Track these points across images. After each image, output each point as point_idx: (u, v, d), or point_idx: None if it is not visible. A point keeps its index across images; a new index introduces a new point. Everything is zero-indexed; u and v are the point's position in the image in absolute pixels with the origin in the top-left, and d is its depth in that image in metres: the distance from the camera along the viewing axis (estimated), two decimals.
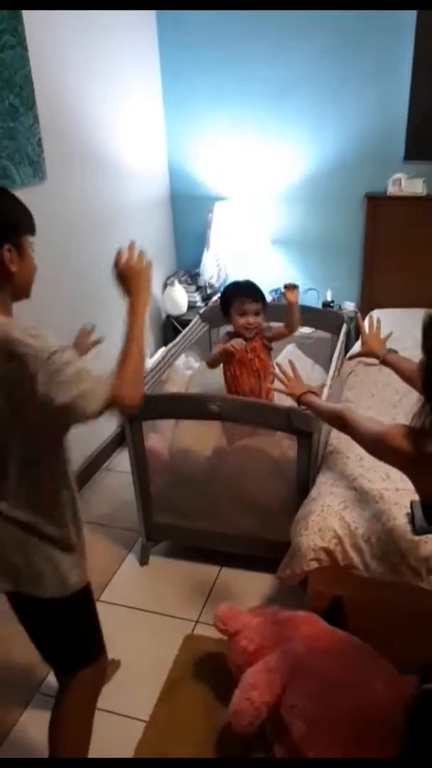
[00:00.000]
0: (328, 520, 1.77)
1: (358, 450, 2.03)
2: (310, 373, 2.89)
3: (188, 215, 3.73)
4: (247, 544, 2.32)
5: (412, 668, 1.78)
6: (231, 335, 2.50)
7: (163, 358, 2.57)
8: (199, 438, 2.29)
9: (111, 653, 1.64)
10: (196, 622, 2.19)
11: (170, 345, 2.68)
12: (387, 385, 2.54)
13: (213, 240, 3.53)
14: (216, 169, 3.57)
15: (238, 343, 2.32)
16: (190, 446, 2.29)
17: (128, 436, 2.19)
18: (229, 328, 2.54)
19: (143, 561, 2.46)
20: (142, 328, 1.40)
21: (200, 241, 3.62)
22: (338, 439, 2.17)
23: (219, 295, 3.59)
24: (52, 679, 1.90)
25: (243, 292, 2.45)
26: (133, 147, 3.21)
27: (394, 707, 1.58)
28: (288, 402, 2.62)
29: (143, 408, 2.12)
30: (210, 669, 1.99)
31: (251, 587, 2.30)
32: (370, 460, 1.98)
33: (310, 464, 2.05)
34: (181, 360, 3.00)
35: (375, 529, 1.74)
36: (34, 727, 1.81)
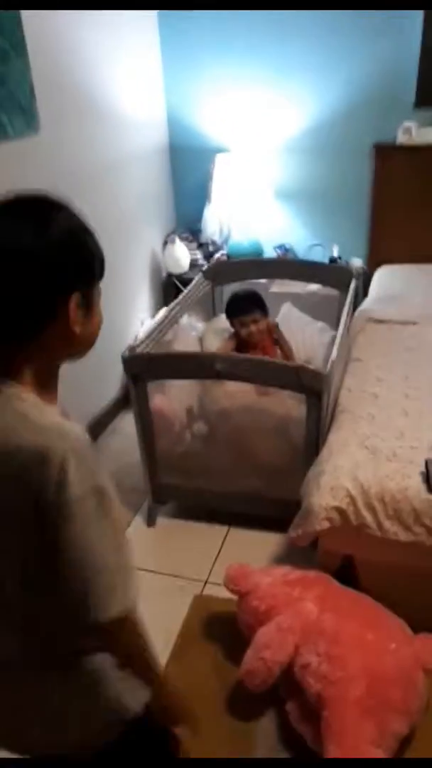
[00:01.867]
0: (340, 479, 1.73)
1: (369, 408, 1.99)
2: (310, 332, 2.82)
3: (188, 168, 3.59)
4: (255, 503, 2.29)
5: (425, 627, 1.78)
6: (236, 336, 2.56)
7: (166, 317, 2.50)
8: (230, 396, 2.23)
9: None
10: (206, 582, 2.18)
11: (172, 304, 2.60)
12: (398, 342, 2.47)
13: (214, 194, 3.41)
14: (217, 119, 3.43)
15: None
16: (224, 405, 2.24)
17: (133, 397, 2.14)
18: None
19: (150, 522, 2.44)
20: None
21: (201, 196, 3.50)
22: (349, 397, 2.11)
23: (221, 253, 3.52)
24: None
25: (239, 310, 2.54)
26: (129, 95, 3.06)
27: (409, 664, 1.57)
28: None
29: (148, 367, 2.08)
30: (220, 628, 1.98)
31: (260, 547, 2.28)
32: (382, 418, 1.95)
33: (320, 424, 2.00)
34: (185, 320, 2.93)
35: (389, 488, 1.70)
36: None
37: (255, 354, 2.42)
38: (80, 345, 0.91)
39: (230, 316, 2.56)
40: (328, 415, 2.08)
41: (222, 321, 2.89)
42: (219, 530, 2.39)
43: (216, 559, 2.27)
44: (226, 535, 2.37)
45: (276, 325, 2.58)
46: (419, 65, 2.96)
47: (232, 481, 2.27)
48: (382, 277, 3.20)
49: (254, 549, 2.28)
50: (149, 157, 3.38)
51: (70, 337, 0.87)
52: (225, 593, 1.87)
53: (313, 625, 1.62)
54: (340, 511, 1.72)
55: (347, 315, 2.46)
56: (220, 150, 3.41)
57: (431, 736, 1.62)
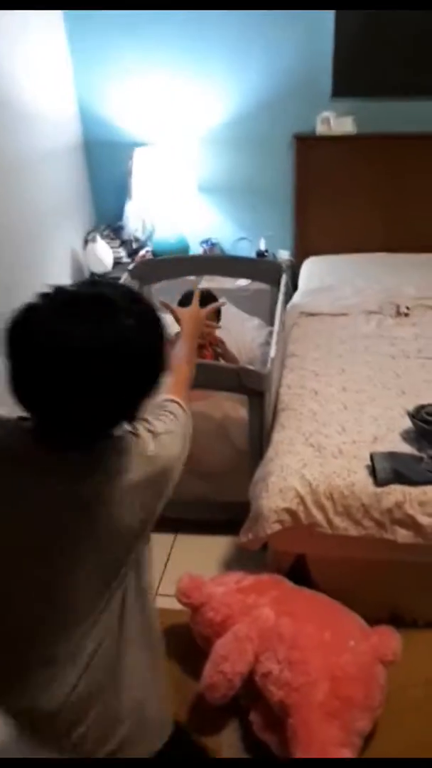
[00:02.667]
0: (288, 480, 1.70)
1: (310, 404, 1.98)
2: (247, 329, 2.79)
3: (105, 164, 3.46)
4: (202, 508, 2.24)
5: (379, 617, 1.79)
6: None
7: None
8: None
9: None
10: (155, 594, 2.10)
11: None
12: (331, 335, 2.48)
13: (135, 189, 3.31)
14: (133, 112, 3.32)
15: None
16: None
17: None
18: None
19: None
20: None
21: (121, 192, 3.39)
22: (290, 395, 2.09)
23: (146, 250, 3.42)
24: None
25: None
26: (34, 88, 2.89)
27: (369, 660, 1.57)
28: None
29: None
30: (175, 641, 1.91)
31: (210, 552, 2.23)
32: (324, 414, 1.94)
33: (263, 424, 1.97)
34: None
35: (336, 485, 1.69)
36: None
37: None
38: None
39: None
40: (270, 413, 2.06)
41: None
42: (165, 538, 2.33)
43: (165, 568, 2.21)
44: (173, 543, 2.31)
45: (221, 341, 2.51)
46: (333, 55, 2.96)
47: (175, 488, 2.20)
48: (310, 268, 3.21)
49: (204, 554, 2.23)
50: (63, 153, 3.22)
51: None
52: (177, 605, 1.81)
53: (271, 631, 1.60)
54: (291, 512, 1.70)
55: (281, 311, 2.44)
56: (138, 144, 3.30)
57: (392, 729, 1.63)
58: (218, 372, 1.91)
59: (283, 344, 2.46)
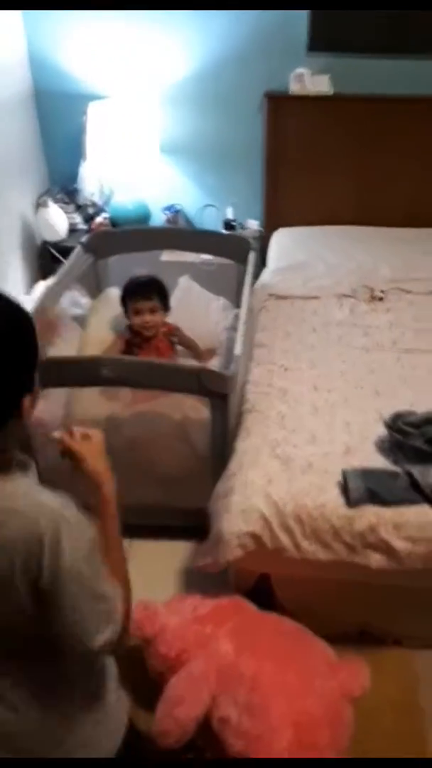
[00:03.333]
0: (252, 499, 1.53)
1: (279, 406, 1.79)
2: (213, 311, 2.57)
3: (59, 118, 3.12)
4: (158, 514, 2.06)
5: (347, 633, 1.67)
6: (132, 332, 2.27)
7: (40, 304, 2.14)
8: (102, 404, 1.94)
9: None
10: None
11: (50, 282, 2.24)
12: (302, 322, 2.28)
13: (90, 149, 2.99)
14: (89, 61, 2.97)
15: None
16: (90, 415, 1.94)
17: None
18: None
19: None
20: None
21: (76, 151, 3.07)
22: (256, 394, 1.90)
23: (103, 216, 3.13)
24: None
25: (135, 290, 2.27)
26: None
27: (335, 699, 1.44)
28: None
29: None
30: (130, 670, 1.75)
31: (166, 560, 2.06)
32: (293, 418, 1.75)
33: (226, 427, 1.78)
34: (66, 297, 2.57)
35: (304, 504, 1.52)
36: None
37: (147, 354, 2.15)
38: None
39: (125, 299, 2.28)
40: (234, 414, 1.86)
41: (112, 298, 2.57)
42: None
43: None
44: (128, 549, 2.13)
45: (176, 328, 2.33)
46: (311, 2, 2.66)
47: (128, 492, 2.01)
48: (281, 241, 2.98)
49: (159, 562, 2.06)
50: (10, 104, 2.88)
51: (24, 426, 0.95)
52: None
53: (230, 669, 1.44)
54: (254, 536, 1.53)
55: (248, 294, 2.21)
56: (94, 97, 2.97)
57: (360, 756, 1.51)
58: (175, 373, 1.70)
59: (250, 332, 2.25)
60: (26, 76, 3.01)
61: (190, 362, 2.22)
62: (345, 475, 1.53)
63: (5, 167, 2.84)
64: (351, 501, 1.50)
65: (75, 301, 2.89)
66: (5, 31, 2.79)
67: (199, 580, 1.96)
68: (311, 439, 1.68)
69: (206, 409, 1.81)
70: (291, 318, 2.31)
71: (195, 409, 1.88)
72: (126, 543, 2.06)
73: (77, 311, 2.82)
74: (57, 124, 3.13)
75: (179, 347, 2.34)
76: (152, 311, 2.22)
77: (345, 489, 1.52)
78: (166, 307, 2.28)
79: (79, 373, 1.71)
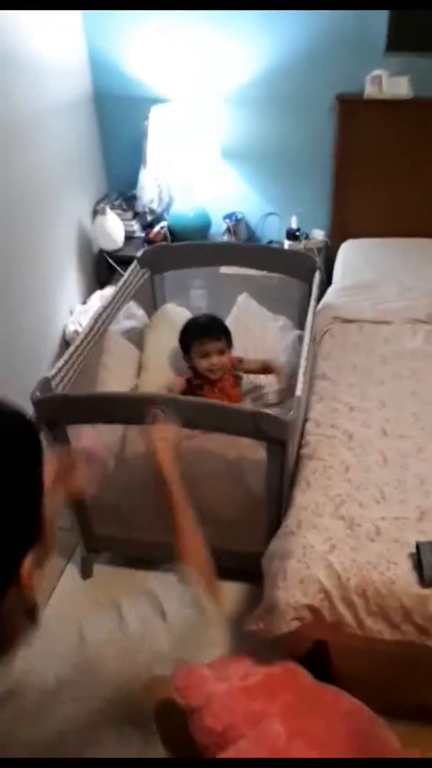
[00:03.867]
0: (311, 568, 1.37)
1: (343, 454, 1.62)
2: (270, 331, 2.41)
3: (119, 122, 3.01)
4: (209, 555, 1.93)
5: (406, 709, 1.51)
6: (195, 374, 2.10)
7: (98, 318, 2.04)
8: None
9: None
10: None
11: (103, 305, 2.13)
12: (370, 352, 2.09)
13: (151, 154, 2.87)
14: (151, 63, 2.84)
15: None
16: (133, 446, 1.82)
17: (48, 443, 1.70)
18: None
19: (85, 574, 2.06)
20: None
21: (135, 156, 2.95)
22: (318, 436, 1.74)
23: (162, 225, 3.01)
24: None
25: (201, 331, 2.08)
26: (37, 32, 2.45)
27: None
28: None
29: (65, 411, 1.65)
30: (174, 725, 1.65)
31: None
32: (359, 470, 1.58)
33: (284, 473, 1.63)
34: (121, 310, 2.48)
35: (371, 579, 1.35)
36: None
37: (213, 398, 2.00)
38: None
39: (188, 341, 2.10)
40: (293, 456, 1.71)
41: (170, 314, 2.45)
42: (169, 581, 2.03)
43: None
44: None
45: (239, 360, 2.16)
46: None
47: None
48: (349, 254, 2.79)
49: None
50: (70, 108, 2.79)
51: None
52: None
53: (280, 755, 1.31)
54: (312, 609, 1.38)
55: (311, 320, 2.04)
56: (156, 100, 2.84)
57: None
58: (230, 415, 1.56)
59: (312, 359, 2.09)
60: (86, 79, 2.91)
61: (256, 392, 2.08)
62: (419, 548, 1.35)
63: (64, 172, 2.75)
64: (425, 580, 1.32)
65: (131, 313, 2.79)
66: (64, 32, 2.69)
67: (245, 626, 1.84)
68: (380, 499, 1.51)
69: (263, 449, 1.66)
70: (358, 346, 2.13)
71: (251, 448, 1.73)
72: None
73: (133, 324, 2.72)
74: (117, 128, 3.03)
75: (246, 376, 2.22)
76: (220, 353, 2.06)
77: (419, 564, 1.35)
78: (230, 344, 2.13)
79: (130, 410, 1.59)
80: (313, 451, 1.68)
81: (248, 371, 2.19)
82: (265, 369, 2.19)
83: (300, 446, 1.76)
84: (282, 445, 1.57)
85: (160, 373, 2.22)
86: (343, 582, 1.35)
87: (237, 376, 2.14)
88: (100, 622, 0.85)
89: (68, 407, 1.59)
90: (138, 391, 2.16)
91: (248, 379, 2.23)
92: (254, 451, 1.74)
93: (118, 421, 1.69)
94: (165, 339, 2.33)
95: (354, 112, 2.65)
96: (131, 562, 2.08)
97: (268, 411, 1.51)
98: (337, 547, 1.40)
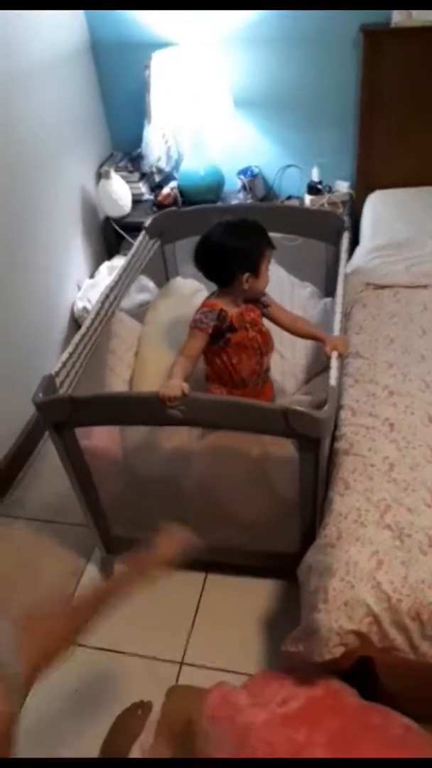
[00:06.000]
0: (356, 588, 1.21)
1: (385, 449, 1.44)
2: (299, 299, 2.18)
3: (121, 71, 2.73)
4: (235, 555, 1.79)
5: None
6: (218, 310, 1.61)
7: (104, 301, 1.84)
8: (160, 432, 1.65)
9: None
10: (181, 663, 1.72)
11: (110, 285, 1.92)
12: (408, 322, 1.87)
13: (155, 107, 2.60)
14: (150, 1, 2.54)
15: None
16: (149, 443, 1.66)
17: (57, 447, 1.54)
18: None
19: (106, 575, 1.93)
20: None
21: (139, 110, 2.69)
22: (354, 427, 1.54)
23: (172, 185, 2.75)
24: None
25: (267, 236, 1.62)
26: None
27: None
28: (290, 379, 1.94)
29: (72, 413, 1.48)
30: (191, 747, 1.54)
31: (245, 599, 1.81)
32: (403, 468, 1.39)
33: (318, 473, 1.45)
34: (131, 292, 2.28)
35: (426, 600, 1.18)
36: None
37: (250, 341, 1.65)
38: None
39: (255, 254, 1.59)
40: (327, 452, 1.53)
41: (175, 289, 2.24)
42: (193, 579, 1.90)
43: (193, 623, 1.80)
44: (203, 587, 1.89)
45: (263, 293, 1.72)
46: None
47: (201, 534, 1.75)
48: (377, 207, 2.53)
49: (238, 603, 1.81)
50: (66, 60, 2.52)
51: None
52: (208, 679, 1.47)
53: None
54: (359, 635, 1.22)
55: (342, 288, 1.81)
56: (158, 45, 2.56)
57: None
58: (257, 413, 1.37)
59: (343, 334, 1.87)
60: (82, 26, 2.63)
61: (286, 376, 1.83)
62: None
63: (62, 133, 2.51)
64: None
65: (143, 284, 2.59)
66: None
67: (280, 625, 1.72)
68: (431, 501, 1.32)
69: (292, 445, 1.48)
70: (394, 316, 1.90)
71: (277, 444, 1.55)
72: (201, 577, 1.83)
73: (146, 297, 2.52)
74: (118, 80, 2.75)
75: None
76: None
77: None
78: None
79: (142, 411, 1.41)
80: (350, 446, 1.49)
81: (273, 316, 1.73)
82: (312, 335, 1.73)
83: (334, 438, 1.57)
84: (316, 444, 1.39)
85: (154, 365, 1.93)
86: (394, 604, 1.18)
87: (262, 303, 1.72)
88: None
89: (74, 409, 1.42)
90: (133, 382, 1.94)
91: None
92: (280, 446, 1.55)
93: (129, 422, 1.52)
94: (168, 315, 2.10)
95: (381, 45, 2.34)
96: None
97: (301, 408, 1.32)
98: (385, 562, 1.23)
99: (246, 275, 1.58)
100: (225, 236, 1.58)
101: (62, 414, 1.44)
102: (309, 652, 1.26)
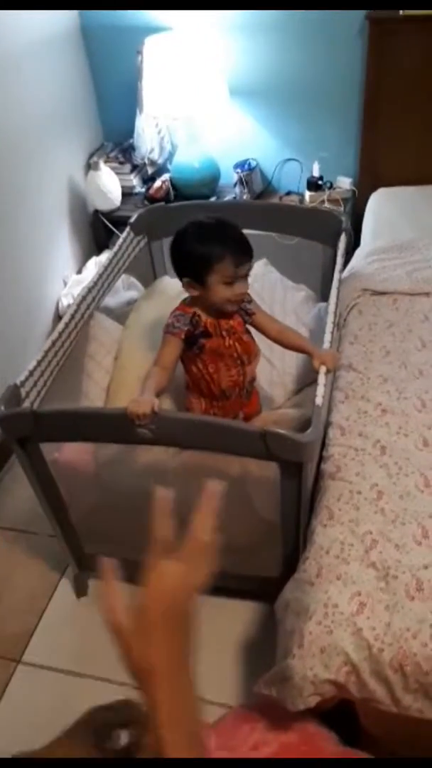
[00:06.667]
0: (335, 633, 1.10)
1: (373, 475, 1.32)
2: (291, 303, 2.06)
3: (110, 58, 2.61)
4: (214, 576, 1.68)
5: None
6: (191, 314, 1.50)
7: (81, 303, 1.72)
8: (134, 447, 1.54)
9: None
10: None
11: (88, 286, 1.80)
12: (407, 332, 1.75)
13: (147, 96, 2.47)
14: None
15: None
16: (122, 457, 1.54)
17: (22, 462, 1.43)
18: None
19: (80, 592, 1.83)
20: None
21: (131, 98, 2.56)
22: (341, 447, 1.43)
23: (164, 179, 2.63)
24: None
25: (236, 245, 1.42)
26: None
27: None
28: (279, 389, 1.82)
29: (36, 426, 1.37)
30: None
31: (223, 623, 1.71)
32: (393, 498, 1.27)
33: (301, 497, 1.34)
34: (118, 282, 2.16)
35: (410, 651, 1.07)
36: None
37: (227, 348, 1.52)
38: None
39: (209, 261, 1.40)
40: (312, 474, 1.42)
41: (161, 289, 2.12)
42: None
43: None
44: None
45: (248, 300, 1.56)
46: None
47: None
48: (380, 206, 2.40)
49: (217, 625, 1.70)
50: (54, 44, 2.39)
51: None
52: None
53: None
54: (337, 684, 1.11)
55: (336, 296, 1.69)
56: (152, 29, 2.42)
57: None
58: (233, 435, 1.26)
59: (336, 344, 1.75)
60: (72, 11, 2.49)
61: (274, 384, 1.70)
62: None
63: (51, 121, 2.40)
64: None
65: (131, 282, 2.47)
66: None
67: (259, 653, 1.62)
68: (421, 538, 1.21)
69: (274, 465, 1.37)
70: (392, 325, 1.78)
71: (258, 463, 1.43)
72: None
73: (133, 295, 2.41)
74: (108, 66, 2.62)
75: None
76: (246, 277, 1.47)
77: None
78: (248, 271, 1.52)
79: (112, 429, 1.30)
80: (337, 469, 1.38)
81: (258, 324, 1.58)
82: (299, 348, 1.58)
83: (321, 458, 1.45)
84: (298, 468, 1.28)
85: (134, 372, 1.76)
86: (375, 653, 1.07)
87: (245, 310, 1.56)
88: None
89: (38, 424, 1.31)
90: (110, 391, 1.82)
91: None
92: (261, 466, 1.44)
93: (97, 439, 1.41)
94: (151, 317, 1.96)
95: (389, 34, 2.20)
96: (131, 578, 1.84)
97: (281, 431, 1.20)
98: (368, 606, 1.11)
99: (186, 280, 1.46)
100: (179, 236, 1.47)
101: (24, 429, 1.33)
102: (282, 698, 1.15)
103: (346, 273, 2.04)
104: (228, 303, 1.46)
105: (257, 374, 1.68)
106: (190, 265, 1.44)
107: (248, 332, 1.59)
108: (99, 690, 1.61)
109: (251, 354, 1.57)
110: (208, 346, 1.50)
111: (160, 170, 2.72)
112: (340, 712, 1.30)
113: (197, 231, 1.44)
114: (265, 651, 1.47)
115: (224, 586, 1.71)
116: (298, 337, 1.60)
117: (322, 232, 2.00)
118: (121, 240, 2.00)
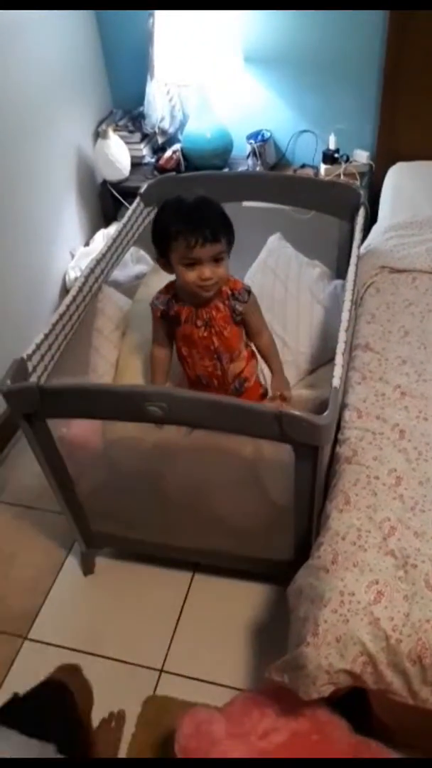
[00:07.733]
0: (351, 622, 1.06)
1: (391, 459, 1.27)
2: (303, 281, 1.99)
3: (121, 21, 2.51)
4: (222, 559, 1.66)
5: None
6: (171, 295, 1.50)
7: (89, 275, 1.67)
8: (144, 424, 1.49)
9: None
10: (161, 671, 1.59)
11: (96, 258, 1.75)
12: (428, 312, 1.69)
13: (159, 62, 2.38)
14: None
15: None
16: (131, 435, 1.50)
17: (29, 438, 1.39)
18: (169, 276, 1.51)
19: (87, 570, 1.81)
20: None
21: (141, 64, 2.47)
22: (358, 431, 1.38)
23: (175, 149, 2.55)
24: None
25: (190, 224, 1.32)
26: None
27: None
28: (292, 369, 1.78)
29: (43, 402, 1.33)
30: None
31: (233, 605, 1.68)
32: (412, 483, 1.23)
33: (315, 480, 1.30)
34: (126, 255, 2.10)
35: (430, 641, 1.03)
36: None
37: (201, 339, 1.49)
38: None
39: (168, 238, 1.36)
40: (327, 456, 1.37)
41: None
42: (179, 578, 1.76)
43: (176, 627, 1.67)
44: (189, 587, 1.75)
45: (246, 291, 1.50)
46: None
47: (187, 538, 1.62)
48: (399, 181, 2.32)
49: (227, 606, 1.68)
50: (62, 12, 2.29)
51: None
52: (188, 692, 1.48)
53: None
54: (352, 675, 1.07)
55: (354, 274, 1.62)
56: None
57: None
58: (247, 415, 1.21)
59: (353, 324, 1.69)
60: None
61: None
62: None
63: (58, 87, 2.31)
64: None
65: (138, 256, 2.42)
66: None
67: (269, 637, 1.60)
68: None
69: (288, 447, 1.32)
70: (411, 305, 1.72)
71: (271, 444, 1.39)
72: (188, 576, 1.70)
73: (143, 269, 2.36)
74: (119, 30, 2.52)
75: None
76: (217, 261, 1.37)
77: None
78: (231, 247, 1.42)
79: (120, 406, 1.25)
80: (354, 453, 1.33)
81: (247, 323, 1.54)
82: (264, 350, 1.60)
83: (336, 441, 1.41)
84: (314, 451, 1.23)
85: (141, 348, 1.75)
86: (393, 644, 1.04)
87: (234, 310, 1.49)
88: None
89: (44, 400, 1.26)
90: (118, 367, 1.77)
91: None
92: (275, 446, 1.39)
93: (104, 416, 1.36)
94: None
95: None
96: (139, 556, 1.82)
97: (297, 412, 1.16)
98: (386, 595, 1.08)
99: (155, 256, 1.46)
100: (159, 209, 1.46)
101: (31, 404, 1.28)
102: (294, 686, 1.12)
103: (362, 249, 1.98)
104: (195, 287, 1.40)
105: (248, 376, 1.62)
106: (155, 240, 1.42)
107: (238, 329, 1.53)
108: (104, 667, 1.59)
109: (233, 352, 1.51)
110: (180, 332, 1.51)
111: (171, 140, 2.63)
112: (352, 697, 1.27)
113: (169, 205, 1.41)
114: (275, 635, 1.45)
115: (235, 568, 1.69)
116: (272, 349, 1.62)
117: (339, 206, 1.93)
118: (130, 211, 1.94)
